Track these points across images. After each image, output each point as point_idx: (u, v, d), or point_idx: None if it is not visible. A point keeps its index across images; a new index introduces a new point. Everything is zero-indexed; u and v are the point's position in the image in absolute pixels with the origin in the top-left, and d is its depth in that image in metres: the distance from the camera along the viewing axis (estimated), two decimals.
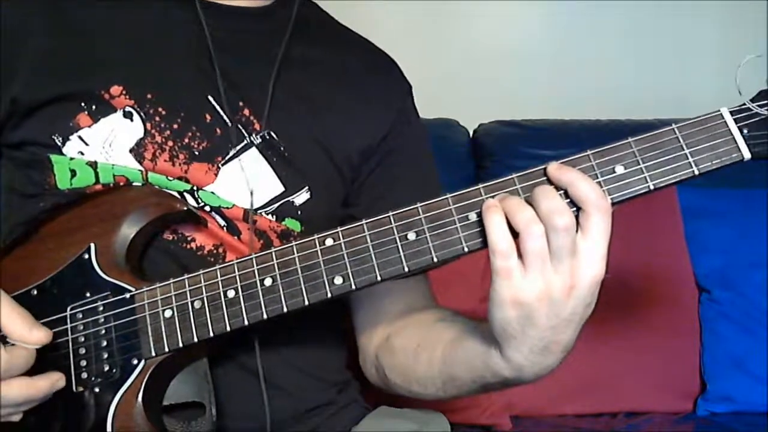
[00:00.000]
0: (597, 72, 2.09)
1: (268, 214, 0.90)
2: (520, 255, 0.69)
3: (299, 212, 0.92)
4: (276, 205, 0.91)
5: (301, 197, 0.92)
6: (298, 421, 0.92)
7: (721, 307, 1.65)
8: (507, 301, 0.69)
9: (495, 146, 1.88)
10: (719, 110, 0.72)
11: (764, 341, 1.60)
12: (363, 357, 1.00)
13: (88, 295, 0.81)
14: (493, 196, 0.72)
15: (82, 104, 0.86)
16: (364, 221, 0.75)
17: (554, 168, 0.71)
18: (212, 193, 0.88)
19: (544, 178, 0.71)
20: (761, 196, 1.66)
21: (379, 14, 1.96)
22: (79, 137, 0.86)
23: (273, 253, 0.76)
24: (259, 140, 0.91)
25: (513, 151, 1.85)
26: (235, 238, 0.89)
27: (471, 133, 1.93)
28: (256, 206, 0.90)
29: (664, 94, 2.07)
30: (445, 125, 1.89)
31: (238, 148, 0.89)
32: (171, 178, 0.87)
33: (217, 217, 0.89)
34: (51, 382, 0.76)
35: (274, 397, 0.87)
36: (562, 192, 0.70)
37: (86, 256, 0.82)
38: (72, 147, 0.86)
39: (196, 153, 0.88)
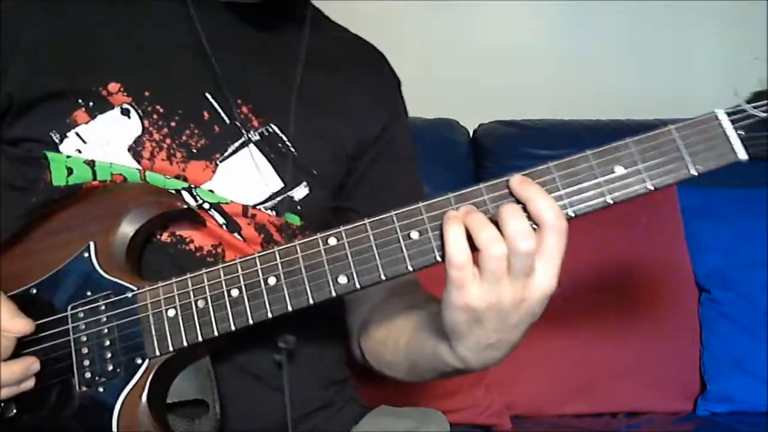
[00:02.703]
0: (597, 72, 2.09)
1: (267, 210, 0.90)
2: (477, 265, 0.70)
3: (298, 207, 0.92)
4: (275, 200, 0.91)
5: (301, 192, 0.92)
6: (298, 422, 0.91)
7: (721, 307, 1.64)
8: (458, 306, 0.72)
9: (495, 146, 1.87)
10: (713, 112, 0.72)
11: (764, 341, 1.59)
12: (350, 339, 1.02)
13: (88, 294, 0.80)
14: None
15: (79, 101, 0.86)
16: (366, 220, 0.74)
17: (516, 182, 0.71)
18: (210, 191, 0.88)
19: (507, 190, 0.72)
20: (761, 196, 1.66)
21: (380, 14, 1.96)
22: (77, 134, 0.86)
23: (276, 252, 0.76)
24: (257, 137, 0.91)
25: (513, 151, 1.84)
26: (235, 235, 0.89)
27: (471, 133, 1.93)
28: (255, 202, 0.90)
29: (664, 94, 2.07)
30: (445, 125, 1.89)
31: (236, 145, 0.89)
32: (169, 177, 0.87)
33: (216, 215, 0.88)
34: (25, 365, 0.77)
35: (274, 398, 0.87)
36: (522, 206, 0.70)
37: (86, 255, 0.81)
38: (70, 144, 0.86)
39: (194, 151, 0.88)
